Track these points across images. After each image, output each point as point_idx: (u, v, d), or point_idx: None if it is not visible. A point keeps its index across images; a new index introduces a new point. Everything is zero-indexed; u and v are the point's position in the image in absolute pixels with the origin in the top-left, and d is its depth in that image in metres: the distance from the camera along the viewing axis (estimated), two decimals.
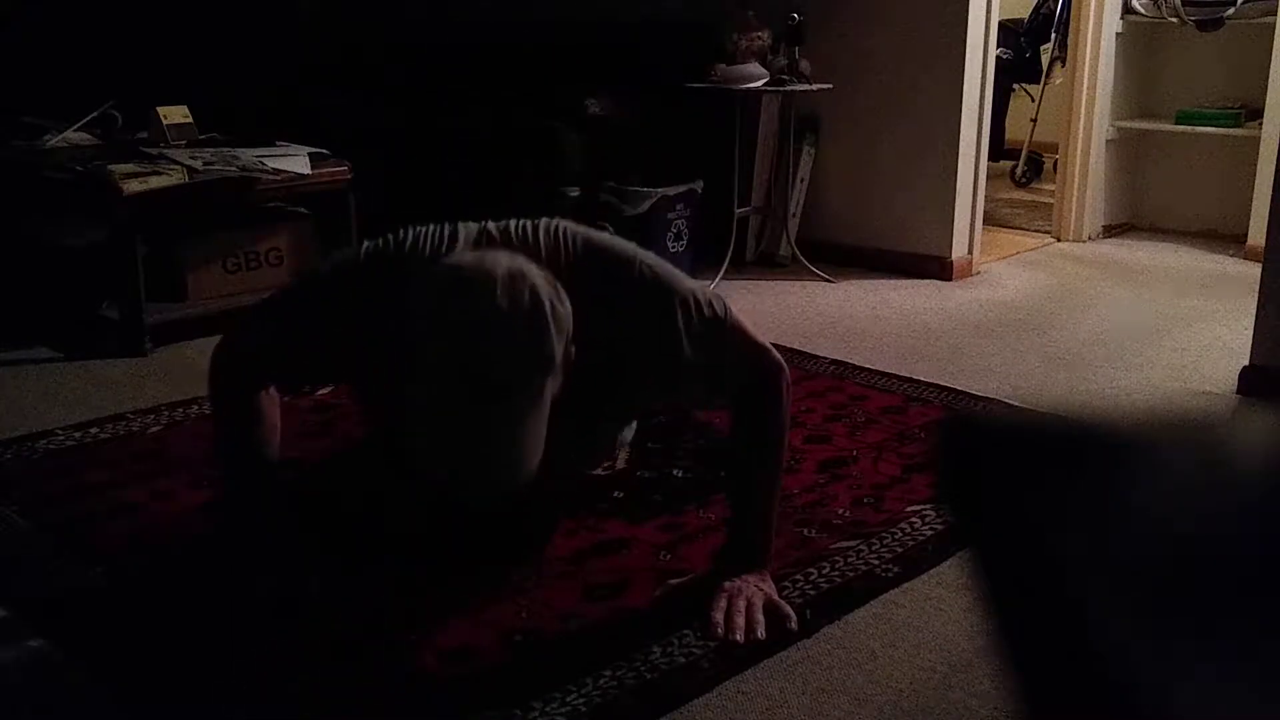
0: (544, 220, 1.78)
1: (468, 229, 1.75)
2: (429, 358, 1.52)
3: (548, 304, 1.53)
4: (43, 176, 3.30)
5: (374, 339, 1.70)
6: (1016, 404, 2.72)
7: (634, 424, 2.35)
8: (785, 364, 1.87)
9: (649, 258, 1.79)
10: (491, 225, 1.76)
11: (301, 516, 1.97)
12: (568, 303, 1.57)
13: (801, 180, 4.25)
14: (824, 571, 1.93)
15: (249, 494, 1.96)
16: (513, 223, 1.76)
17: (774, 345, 1.89)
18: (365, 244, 1.80)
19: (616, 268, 1.75)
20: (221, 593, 1.86)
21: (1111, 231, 4.80)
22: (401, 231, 1.77)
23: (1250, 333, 2.86)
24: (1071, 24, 4.59)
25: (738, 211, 4.05)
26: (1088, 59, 4.51)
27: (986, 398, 2.81)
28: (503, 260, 1.56)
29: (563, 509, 2.11)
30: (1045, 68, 5.61)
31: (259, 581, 1.86)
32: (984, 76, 3.96)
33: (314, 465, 2.35)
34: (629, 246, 1.80)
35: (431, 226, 1.77)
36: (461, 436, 1.50)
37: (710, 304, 1.79)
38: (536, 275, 1.55)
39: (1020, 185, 5.76)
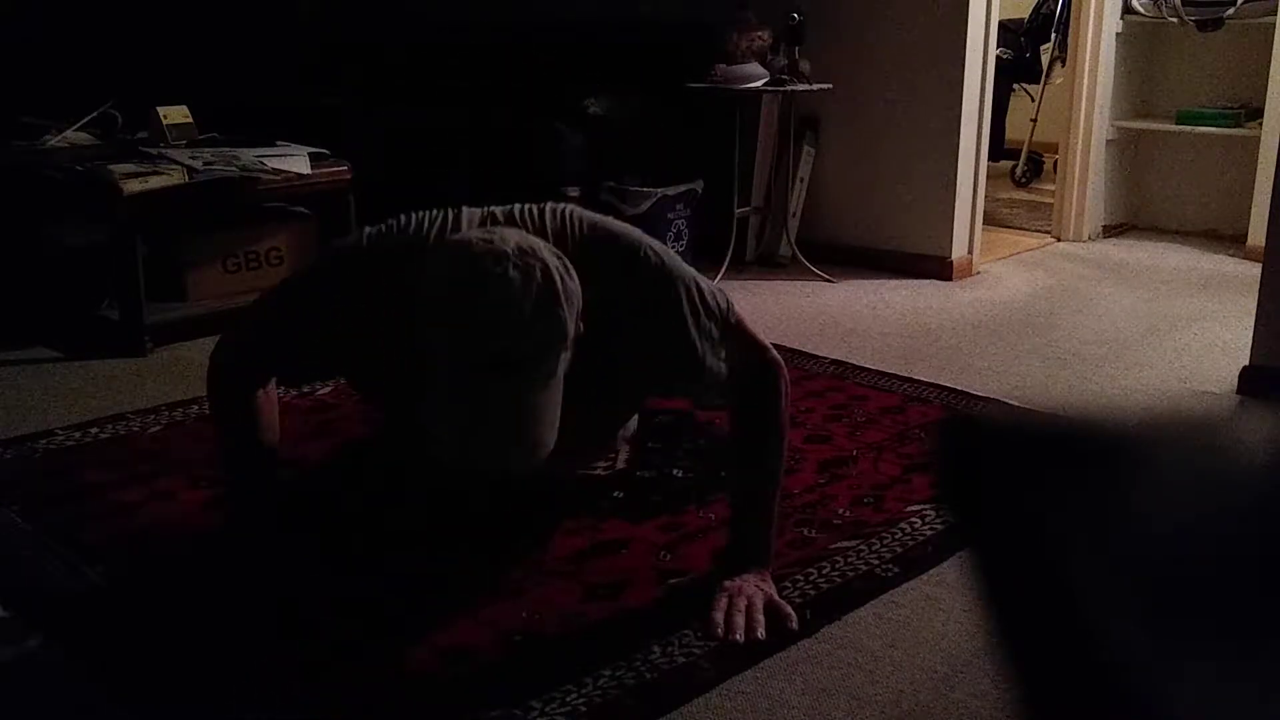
0: (549, 204, 1.77)
1: (471, 212, 1.74)
2: (442, 335, 1.51)
3: (558, 278, 1.52)
4: (43, 176, 3.30)
5: (381, 324, 1.68)
6: (1016, 404, 2.72)
7: (635, 421, 2.34)
8: (784, 363, 1.87)
9: (654, 244, 1.78)
10: (496, 208, 1.75)
11: (301, 516, 1.97)
12: (576, 279, 1.57)
13: (801, 180, 4.25)
14: (824, 571, 1.93)
15: (249, 494, 1.96)
16: (517, 206, 1.76)
17: (774, 345, 1.89)
18: (366, 229, 1.78)
19: (622, 252, 1.75)
20: (221, 593, 1.86)
21: (1111, 231, 4.79)
22: (403, 216, 1.76)
23: (1250, 333, 2.86)
24: (1071, 24, 4.59)
25: (738, 211, 4.05)
26: (1088, 59, 4.51)
27: (986, 398, 2.81)
28: (511, 236, 1.55)
29: (564, 505, 2.11)
30: (1045, 68, 5.61)
31: (259, 581, 1.86)
32: (984, 76, 3.96)
33: (314, 465, 2.35)
34: (634, 232, 1.80)
35: (434, 210, 1.76)
36: (478, 412, 1.49)
37: (713, 295, 1.79)
38: (545, 251, 1.55)
39: (1020, 185, 5.76)
